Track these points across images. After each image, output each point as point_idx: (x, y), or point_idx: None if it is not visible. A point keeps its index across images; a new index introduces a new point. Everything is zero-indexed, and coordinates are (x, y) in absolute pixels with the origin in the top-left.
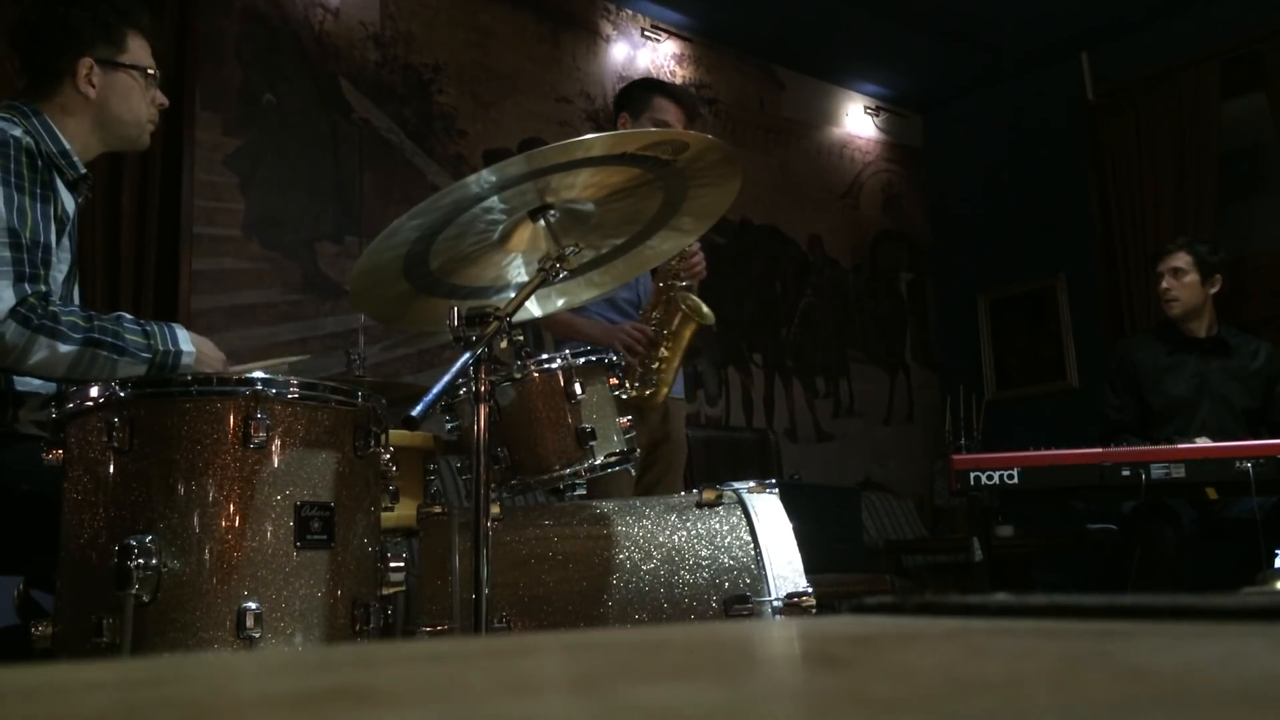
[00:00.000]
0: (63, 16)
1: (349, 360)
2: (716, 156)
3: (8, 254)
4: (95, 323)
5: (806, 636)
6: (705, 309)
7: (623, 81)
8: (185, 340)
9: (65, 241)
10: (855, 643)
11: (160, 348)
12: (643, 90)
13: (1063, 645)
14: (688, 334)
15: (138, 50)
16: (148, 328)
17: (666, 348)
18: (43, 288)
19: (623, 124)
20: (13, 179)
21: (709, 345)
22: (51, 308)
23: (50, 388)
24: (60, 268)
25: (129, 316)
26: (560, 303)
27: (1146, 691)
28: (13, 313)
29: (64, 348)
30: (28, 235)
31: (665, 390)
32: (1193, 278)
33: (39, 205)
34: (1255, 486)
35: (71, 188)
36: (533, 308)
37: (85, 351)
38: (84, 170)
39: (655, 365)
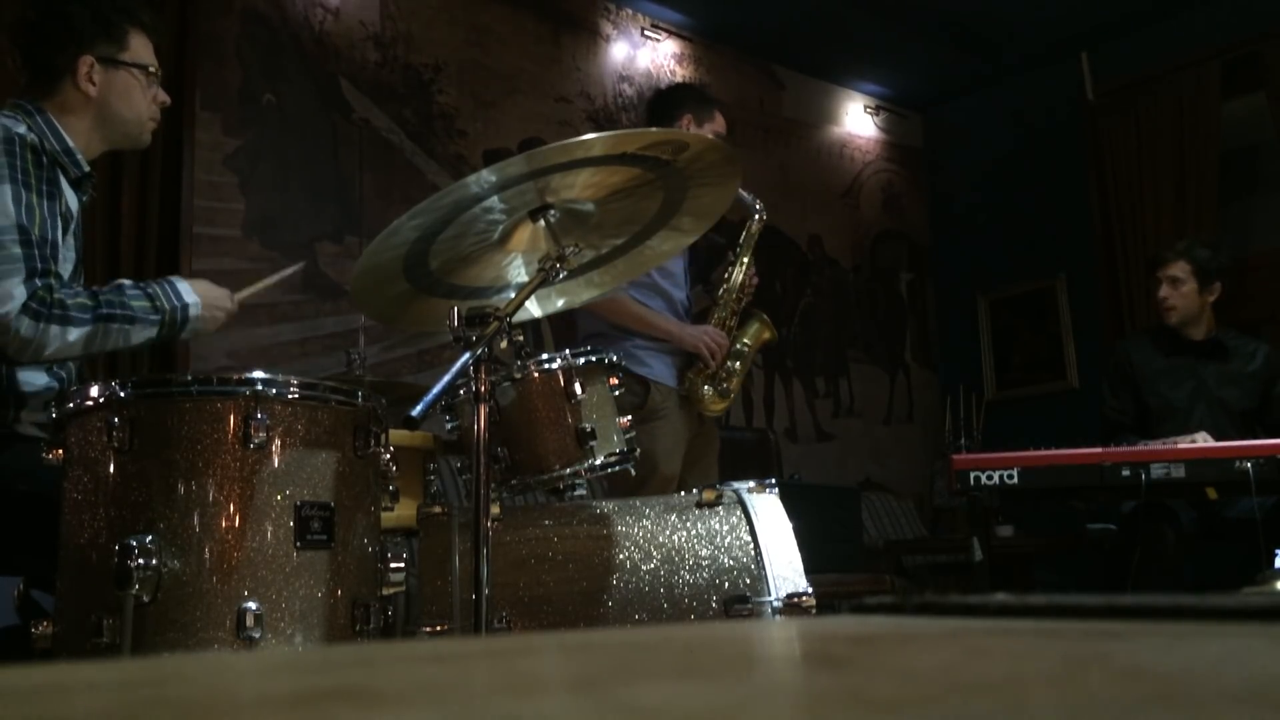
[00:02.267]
0: (63, 13)
1: (349, 360)
2: (716, 156)
3: (18, 250)
4: (101, 298)
5: (806, 636)
6: None
7: (623, 81)
8: (188, 292)
9: (70, 240)
10: (855, 643)
11: (166, 306)
12: (706, 101)
13: (1063, 645)
14: (758, 346)
15: (139, 48)
16: (149, 289)
17: (739, 359)
18: (52, 281)
19: (686, 125)
20: (19, 175)
21: None
22: (58, 295)
23: (53, 388)
24: (65, 266)
25: (128, 282)
26: (560, 303)
27: (1146, 691)
28: (24, 308)
29: (76, 331)
30: (36, 232)
31: (730, 400)
32: (1190, 286)
33: (45, 202)
34: (1255, 486)
35: (75, 186)
36: (533, 308)
37: (98, 328)
38: (88, 169)
39: (730, 374)
